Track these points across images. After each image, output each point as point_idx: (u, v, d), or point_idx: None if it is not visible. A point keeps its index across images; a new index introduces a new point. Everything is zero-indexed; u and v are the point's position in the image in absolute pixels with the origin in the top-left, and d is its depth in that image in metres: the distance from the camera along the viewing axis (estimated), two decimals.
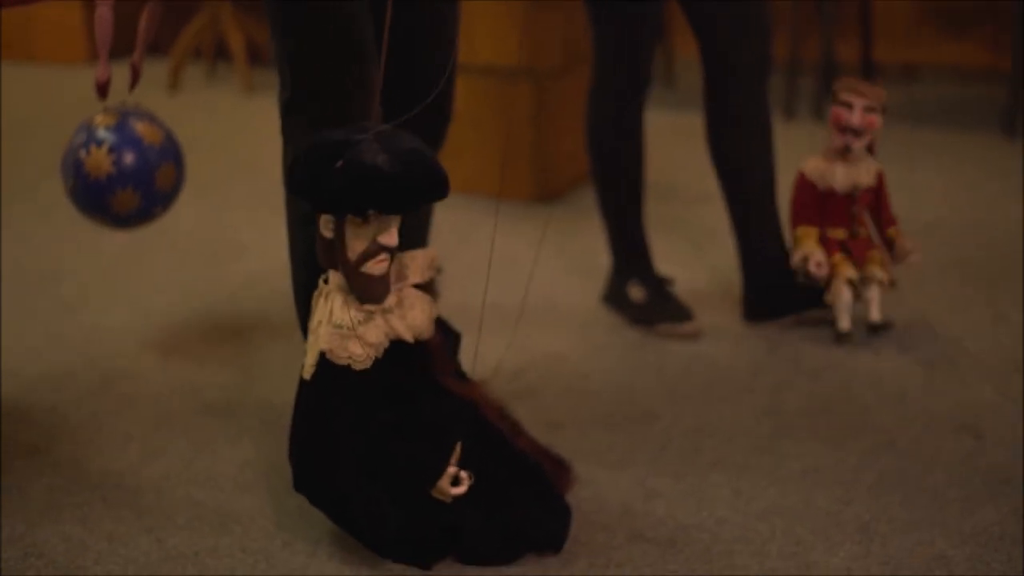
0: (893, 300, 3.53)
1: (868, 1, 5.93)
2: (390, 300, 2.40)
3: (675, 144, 4.89)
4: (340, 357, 2.37)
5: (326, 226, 2.35)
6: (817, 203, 3.41)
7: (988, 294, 3.72)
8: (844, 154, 3.37)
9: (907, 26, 6.15)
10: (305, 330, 2.70)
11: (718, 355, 3.37)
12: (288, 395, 3.08)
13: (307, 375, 2.41)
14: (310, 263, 2.65)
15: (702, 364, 3.32)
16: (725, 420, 3.03)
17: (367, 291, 2.39)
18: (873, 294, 3.40)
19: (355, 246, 2.34)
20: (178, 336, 3.57)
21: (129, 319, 3.68)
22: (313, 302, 2.44)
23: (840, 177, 3.39)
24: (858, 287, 3.40)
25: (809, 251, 3.39)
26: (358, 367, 2.37)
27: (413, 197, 2.33)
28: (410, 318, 2.41)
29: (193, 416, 3.11)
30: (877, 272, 3.39)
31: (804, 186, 3.43)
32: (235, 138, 5.66)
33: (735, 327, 3.53)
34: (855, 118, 3.34)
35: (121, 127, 2.89)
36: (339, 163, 2.26)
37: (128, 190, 2.87)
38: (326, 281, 2.43)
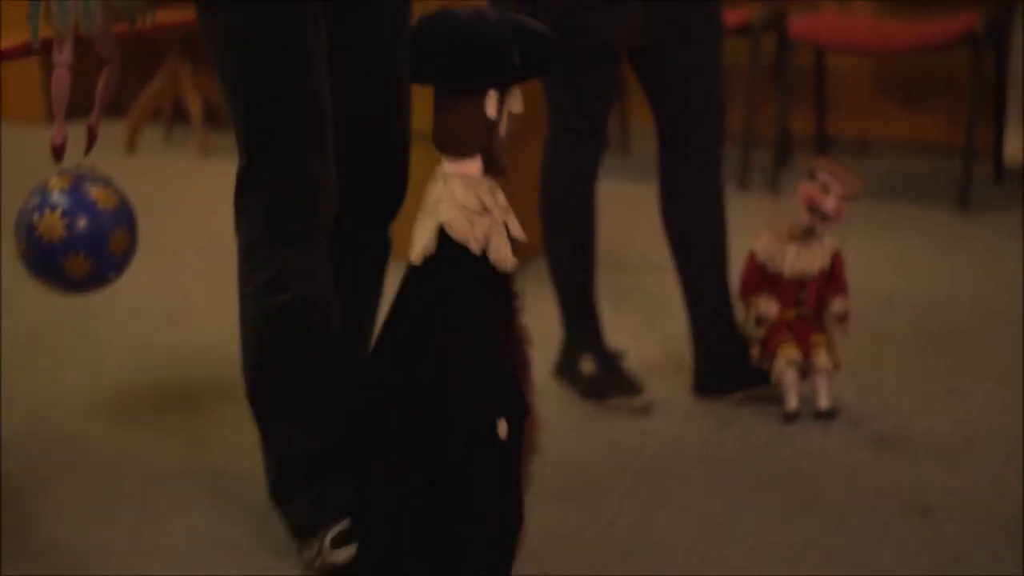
0: (845, 374, 3.53)
1: (823, 74, 5.98)
2: (502, 199, 2.36)
3: (629, 213, 4.90)
4: (460, 234, 2.30)
5: (492, 103, 2.31)
6: (766, 284, 3.42)
7: (940, 368, 3.74)
8: (805, 234, 3.38)
9: (862, 100, 6.21)
10: (256, 404, 2.69)
11: (669, 429, 3.37)
12: (239, 463, 3.08)
13: (418, 259, 2.33)
14: (262, 337, 2.65)
15: (653, 438, 3.32)
16: (674, 495, 3.03)
17: (504, 163, 2.36)
18: (820, 381, 3.40)
19: (504, 120, 2.33)
20: (128, 400, 3.55)
21: (79, 382, 3.66)
22: (429, 185, 2.36)
23: (790, 260, 3.40)
24: (803, 369, 3.41)
25: (757, 310, 3.40)
26: (474, 248, 2.32)
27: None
28: (513, 223, 2.38)
29: (141, 483, 3.09)
30: (822, 359, 3.39)
31: (754, 266, 3.44)
32: (190, 200, 5.65)
33: (686, 401, 3.53)
34: (829, 204, 3.34)
35: (75, 191, 2.88)
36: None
37: (80, 255, 2.86)
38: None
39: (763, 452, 3.24)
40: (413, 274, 2.36)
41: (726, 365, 3.52)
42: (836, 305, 3.40)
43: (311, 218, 2.63)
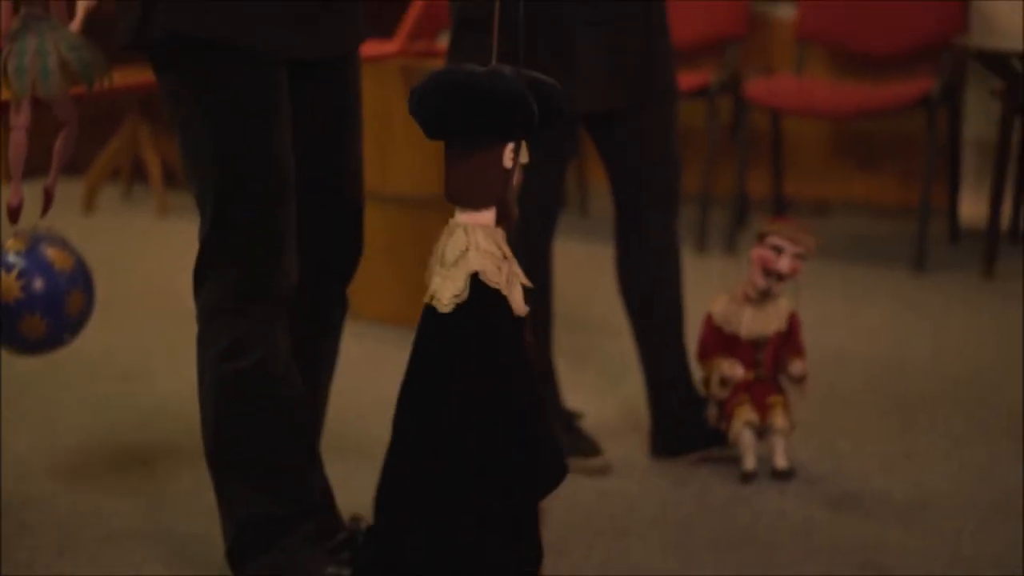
0: (801, 434, 3.54)
1: (780, 137, 6.02)
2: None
3: (588, 273, 4.92)
4: (493, 281, 2.32)
5: (508, 155, 2.33)
6: (723, 346, 3.44)
7: (896, 428, 3.75)
8: (762, 296, 3.40)
9: (819, 162, 6.26)
10: (215, 467, 2.68)
11: (627, 490, 3.37)
12: (195, 524, 3.06)
13: (447, 307, 2.33)
14: (220, 402, 2.64)
15: (611, 499, 3.32)
16: (632, 556, 3.03)
17: (515, 212, 2.39)
18: (777, 442, 3.41)
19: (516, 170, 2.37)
20: (84, 461, 3.53)
21: (35, 442, 3.64)
22: (445, 235, 2.37)
23: (746, 322, 3.42)
24: (760, 430, 3.42)
25: (721, 372, 3.41)
26: (505, 293, 2.34)
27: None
28: (519, 270, 2.40)
29: (97, 544, 3.07)
30: (779, 421, 3.41)
31: (711, 328, 3.46)
32: (148, 261, 5.64)
33: (643, 462, 3.54)
34: (783, 265, 3.36)
35: (32, 252, 2.88)
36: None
37: (36, 316, 2.86)
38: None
39: (720, 512, 3.25)
40: (442, 322, 2.36)
41: (683, 426, 3.53)
42: (795, 367, 3.42)
43: (274, 285, 2.63)
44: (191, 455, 3.43)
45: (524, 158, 2.37)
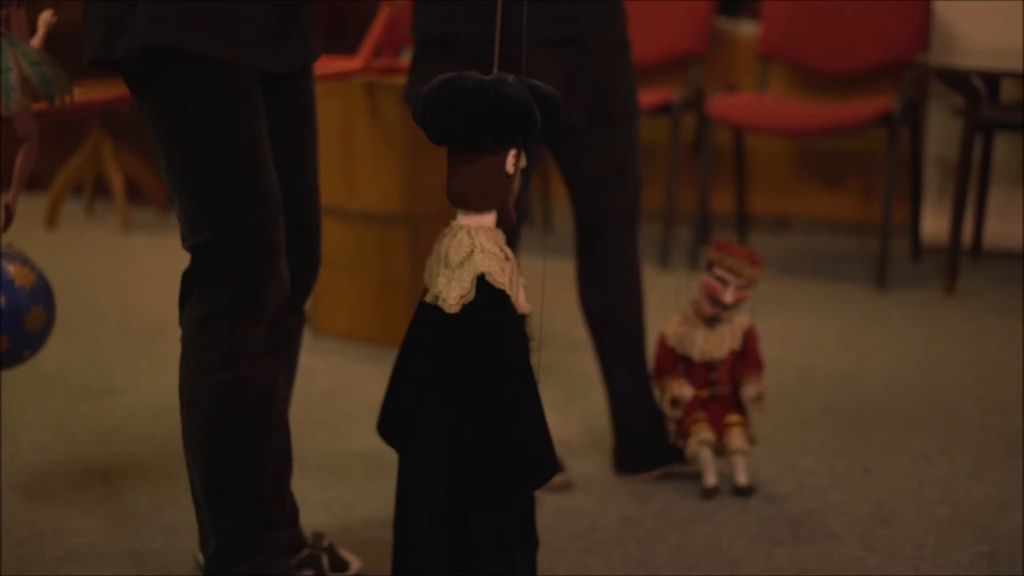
0: (762, 450, 3.56)
1: (743, 153, 6.05)
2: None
3: (552, 289, 4.92)
4: (499, 281, 2.37)
5: (511, 160, 2.39)
6: (677, 365, 3.45)
7: (857, 445, 3.77)
8: (710, 321, 3.42)
9: (781, 178, 6.28)
10: (204, 480, 2.66)
11: (589, 506, 3.38)
12: (157, 542, 3.05)
13: (454, 307, 2.39)
14: (212, 414, 2.61)
15: (573, 515, 3.32)
16: (594, 572, 3.03)
17: (514, 215, 2.44)
18: (737, 459, 3.42)
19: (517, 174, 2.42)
20: (44, 478, 3.52)
21: None
22: (448, 237, 2.41)
23: (699, 345, 3.42)
24: (717, 448, 3.43)
25: (672, 393, 3.42)
26: (510, 294, 2.40)
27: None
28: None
29: (57, 563, 3.06)
30: (736, 440, 3.41)
31: (664, 349, 3.47)
32: (111, 276, 5.61)
33: (606, 478, 3.54)
34: (728, 296, 3.37)
35: None
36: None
37: None
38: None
39: (682, 528, 3.25)
40: (448, 322, 2.40)
41: (645, 443, 3.54)
42: (749, 390, 3.43)
43: (268, 293, 2.62)
44: (152, 472, 3.43)
45: (524, 162, 2.41)
